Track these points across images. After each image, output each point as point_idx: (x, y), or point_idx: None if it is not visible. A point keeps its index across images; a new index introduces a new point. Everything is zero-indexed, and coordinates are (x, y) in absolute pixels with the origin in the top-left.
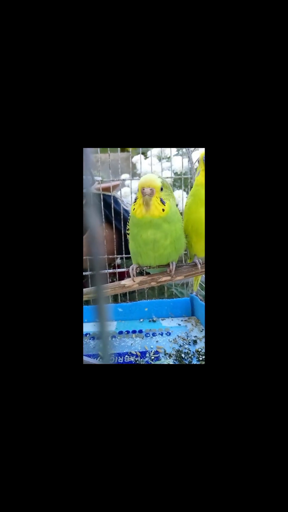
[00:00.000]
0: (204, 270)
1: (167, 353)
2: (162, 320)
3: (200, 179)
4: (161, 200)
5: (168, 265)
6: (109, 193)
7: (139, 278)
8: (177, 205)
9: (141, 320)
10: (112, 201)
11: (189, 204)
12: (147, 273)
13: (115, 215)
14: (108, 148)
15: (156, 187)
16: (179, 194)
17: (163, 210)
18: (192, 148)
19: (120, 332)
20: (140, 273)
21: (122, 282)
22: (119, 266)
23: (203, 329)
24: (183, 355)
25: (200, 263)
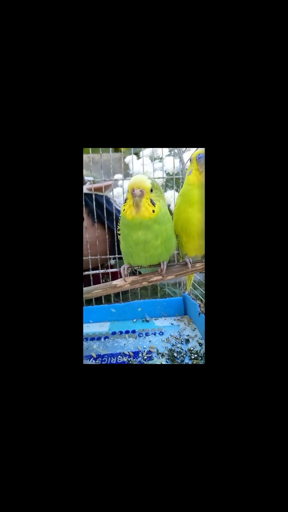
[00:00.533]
0: (194, 269)
1: (160, 353)
2: (155, 319)
3: (191, 178)
4: (151, 201)
5: (159, 264)
6: (101, 193)
7: (131, 278)
8: (169, 206)
9: (135, 320)
10: (105, 201)
11: (178, 204)
12: (139, 273)
13: (107, 215)
14: (100, 148)
15: (146, 188)
16: (171, 194)
17: (153, 211)
18: (184, 148)
19: (114, 333)
20: (132, 273)
21: (114, 282)
22: (112, 266)
23: (195, 328)
24: (175, 354)
25: (190, 262)
